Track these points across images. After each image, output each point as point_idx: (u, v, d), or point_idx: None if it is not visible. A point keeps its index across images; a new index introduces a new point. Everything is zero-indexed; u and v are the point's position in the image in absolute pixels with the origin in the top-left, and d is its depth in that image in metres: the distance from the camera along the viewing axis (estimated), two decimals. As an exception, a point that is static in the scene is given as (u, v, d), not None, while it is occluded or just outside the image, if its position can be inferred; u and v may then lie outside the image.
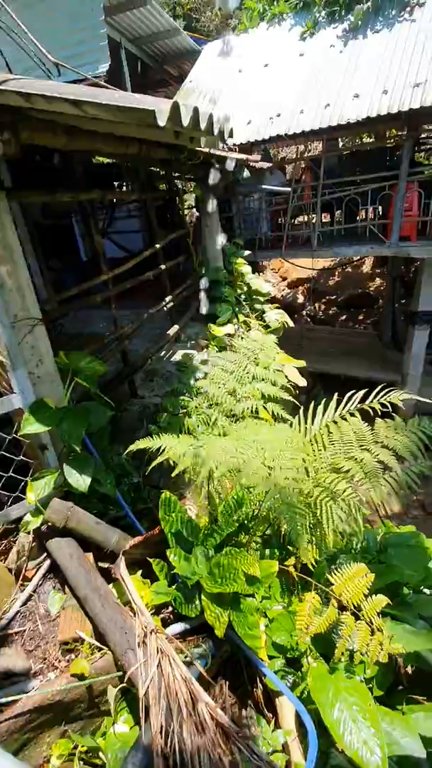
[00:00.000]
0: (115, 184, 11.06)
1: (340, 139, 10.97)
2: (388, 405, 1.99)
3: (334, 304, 10.62)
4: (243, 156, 4.83)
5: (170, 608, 2.17)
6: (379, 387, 1.94)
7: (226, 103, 7.22)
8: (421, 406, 7.53)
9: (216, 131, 2.22)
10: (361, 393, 1.93)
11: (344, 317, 10.23)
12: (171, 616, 2.18)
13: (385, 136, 9.02)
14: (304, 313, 10.53)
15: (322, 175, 6.61)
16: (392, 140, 8.41)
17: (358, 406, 2.07)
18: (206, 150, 3.67)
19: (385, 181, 6.29)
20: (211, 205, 5.13)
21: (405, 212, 6.22)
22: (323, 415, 2.01)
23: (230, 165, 3.66)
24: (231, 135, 2.60)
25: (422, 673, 1.80)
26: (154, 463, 1.86)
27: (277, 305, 6.80)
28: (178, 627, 2.05)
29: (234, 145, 6.71)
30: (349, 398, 1.96)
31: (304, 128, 6.04)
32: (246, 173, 4.86)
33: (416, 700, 1.73)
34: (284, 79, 6.81)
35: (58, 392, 2.31)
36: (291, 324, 5.78)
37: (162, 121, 1.50)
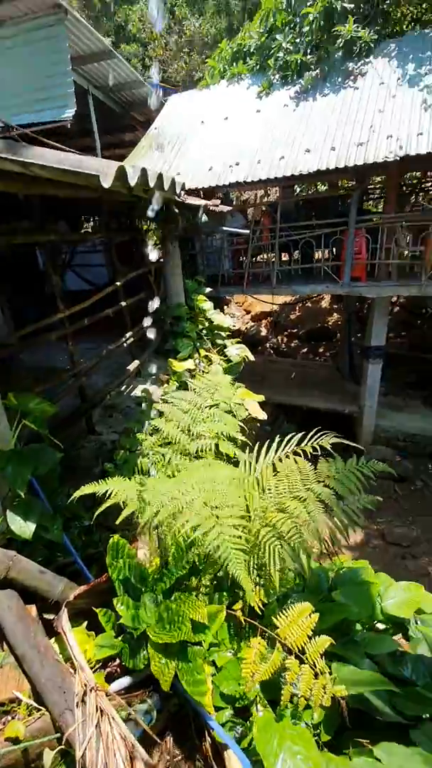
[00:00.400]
0: (83, 217, 11.24)
1: (297, 186, 11.80)
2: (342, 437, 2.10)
3: (295, 337, 11.05)
4: (203, 202, 5.09)
5: (118, 661, 2.10)
6: (316, 431, 2.04)
7: (189, 151, 7.64)
8: (378, 433, 7.85)
9: (167, 187, 2.36)
10: (299, 436, 2.02)
11: (305, 350, 10.64)
12: (118, 669, 2.10)
13: (337, 186, 9.80)
14: (267, 345, 10.87)
15: (279, 219, 7.04)
16: (344, 189, 9.13)
17: (311, 443, 2.14)
18: (177, 193, 3.86)
19: (336, 227, 6.78)
20: (172, 244, 5.32)
21: (355, 255, 6.69)
22: (265, 456, 2.08)
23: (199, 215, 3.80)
24: (183, 188, 2.76)
25: (366, 715, 1.81)
26: (99, 510, 1.84)
27: (239, 339, 7.02)
28: (124, 681, 1.97)
29: (197, 189, 7.07)
30: (289, 439, 2.04)
31: (261, 177, 6.48)
32: (204, 218, 5.12)
33: (361, 743, 1.74)
34: (243, 132, 7.33)
35: (4, 435, 2.26)
36: (251, 358, 5.95)
37: (107, 183, 1.60)
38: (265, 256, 8.07)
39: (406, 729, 1.77)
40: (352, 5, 6.71)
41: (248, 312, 12.27)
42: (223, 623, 2.11)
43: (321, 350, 10.50)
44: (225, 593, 2.21)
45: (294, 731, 1.66)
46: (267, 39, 7.82)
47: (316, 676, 1.69)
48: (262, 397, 5.09)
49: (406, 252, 6.42)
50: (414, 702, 1.84)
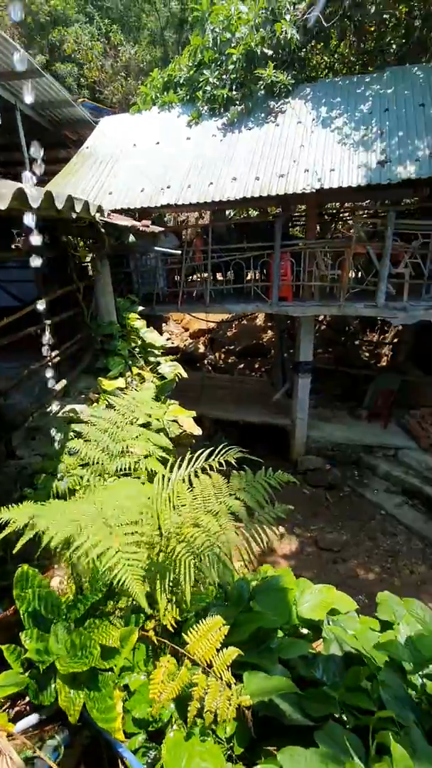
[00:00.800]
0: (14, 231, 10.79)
1: (231, 211, 12.33)
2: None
3: (232, 353, 11.37)
4: (130, 222, 5.16)
5: (27, 698, 1.98)
6: (224, 445, 2.13)
7: (122, 171, 7.73)
8: (310, 443, 8.24)
9: (79, 209, 2.39)
10: (207, 451, 2.09)
11: (242, 366, 10.98)
12: (27, 707, 1.98)
13: (267, 211, 10.40)
14: (205, 362, 11.05)
15: (210, 241, 7.32)
16: (272, 215, 9.71)
17: (221, 459, 2.21)
18: (91, 215, 3.87)
19: (263, 250, 7.18)
20: (102, 262, 5.31)
21: (282, 277, 7.11)
22: (176, 472, 2.13)
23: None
24: (100, 210, 2.80)
25: (277, 721, 1.86)
26: (-3, 539, 1.76)
27: (177, 356, 7.06)
28: (32, 719, 1.86)
29: (130, 209, 7.15)
30: (198, 456, 2.11)
31: (191, 201, 6.73)
32: (132, 238, 5.19)
33: (270, 752, 1.78)
34: (174, 157, 7.57)
35: None
36: (185, 375, 6.02)
37: (3, 205, 1.60)
38: (198, 276, 8.30)
39: (313, 731, 1.85)
40: (271, 51, 7.30)
41: (187, 329, 12.45)
42: (139, 645, 2.09)
43: (257, 366, 10.90)
44: (142, 614, 2.19)
45: (203, 748, 1.66)
46: (195, 72, 8.23)
47: (222, 688, 1.73)
48: (193, 413, 5.16)
49: (327, 275, 6.95)
50: (320, 702, 1.92)
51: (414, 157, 5.87)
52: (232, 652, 1.79)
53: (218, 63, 7.92)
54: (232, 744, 1.84)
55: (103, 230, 4.35)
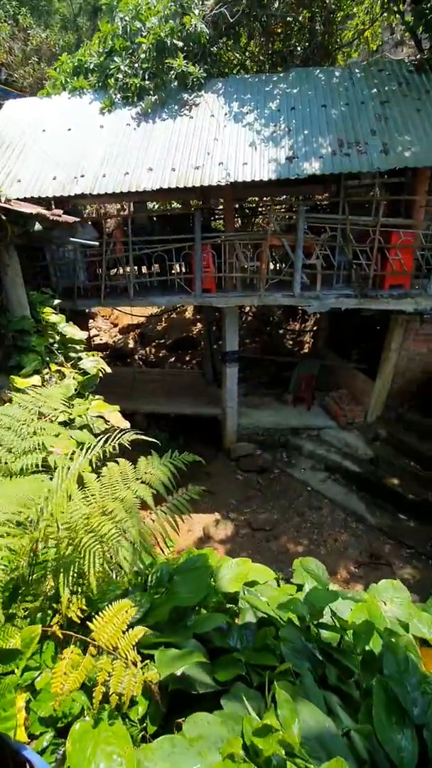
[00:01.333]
0: None
1: (155, 203, 12.17)
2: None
3: (163, 347, 11.30)
4: (35, 210, 4.88)
5: None
6: (127, 431, 2.12)
7: (31, 158, 7.27)
8: (241, 431, 8.47)
9: None
10: (104, 438, 2.07)
11: (173, 359, 10.96)
12: None
13: (189, 204, 10.42)
14: (136, 357, 10.86)
15: (131, 232, 7.17)
16: (194, 208, 9.74)
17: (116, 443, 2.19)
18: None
19: (185, 242, 7.19)
20: (9, 253, 4.97)
21: (205, 269, 7.18)
22: (75, 462, 2.07)
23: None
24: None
25: (187, 694, 1.90)
26: None
27: (104, 352, 6.85)
28: None
29: (42, 197, 6.76)
30: (96, 444, 2.08)
31: (107, 190, 6.53)
32: (38, 226, 4.92)
33: (181, 724, 1.81)
34: (87, 145, 7.27)
35: None
36: (108, 369, 5.86)
37: None
38: (121, 270, 8.11)
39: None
40: (182, 43, 7.29)
41: (116, 325, 12.12)
42: (48, 644, 2.02)
43: (188, 358, 10.95)
44: (49, 611, 2.12)
45: (109, 732, 1.65)
46: (106, 59, 7.95)
47: (127, 668, 1.73)
48: (118, 408, 5.06)
49: (246, 266, 7.15)
50: (229, 667, 2.00)
51: (318, 154, 6.23)
52: (138, 632, 1.80)
53: (129, 51, 7.73)
54: (145, 724, 1.85)
55: (4, 217, 4.06)
